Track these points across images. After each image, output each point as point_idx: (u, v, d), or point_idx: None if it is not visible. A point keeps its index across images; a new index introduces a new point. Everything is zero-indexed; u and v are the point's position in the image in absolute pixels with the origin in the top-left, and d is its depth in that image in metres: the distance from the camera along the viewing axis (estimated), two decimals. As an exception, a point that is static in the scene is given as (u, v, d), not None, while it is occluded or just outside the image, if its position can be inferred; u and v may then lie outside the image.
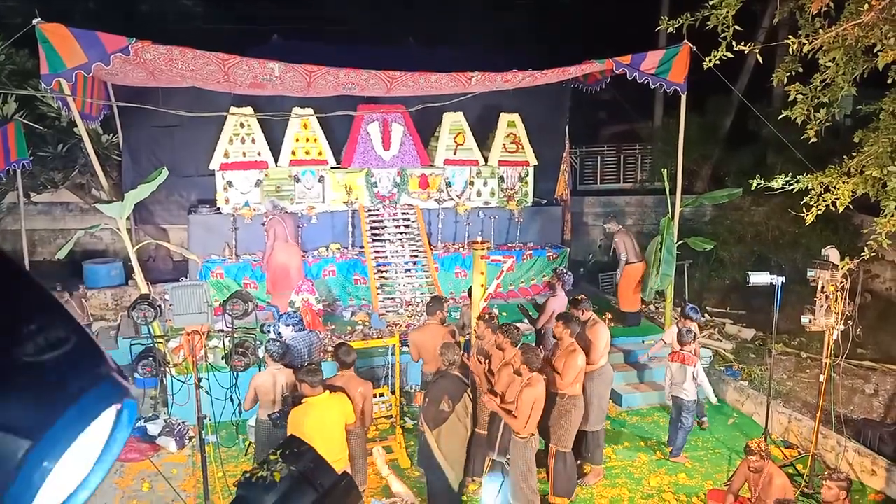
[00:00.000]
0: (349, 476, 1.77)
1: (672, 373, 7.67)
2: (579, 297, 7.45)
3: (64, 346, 0.83)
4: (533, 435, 5.95)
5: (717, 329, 10.92)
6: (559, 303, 8.29)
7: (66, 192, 12.34)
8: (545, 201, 12.90)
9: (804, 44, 5.34)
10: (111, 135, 11.27)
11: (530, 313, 8.81)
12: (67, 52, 7.15)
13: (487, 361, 6.67)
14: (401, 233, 11.46)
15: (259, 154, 10.91)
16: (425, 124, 11.78)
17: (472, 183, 12.00)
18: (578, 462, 7.19)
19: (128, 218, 8.78)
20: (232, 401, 6.04)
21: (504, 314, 10.50)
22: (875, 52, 5.28)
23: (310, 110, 10.81)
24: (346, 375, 6.06)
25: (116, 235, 8.91)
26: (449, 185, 11.88)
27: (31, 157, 9.65)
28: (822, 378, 6.98)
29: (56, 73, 7.17)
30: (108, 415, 0.88)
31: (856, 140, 5.96)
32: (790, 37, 5.40)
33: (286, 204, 10.98)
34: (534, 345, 6.98)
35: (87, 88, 8.74)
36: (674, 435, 7.76)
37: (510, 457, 6.07)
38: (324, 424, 5.41)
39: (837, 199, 5.76)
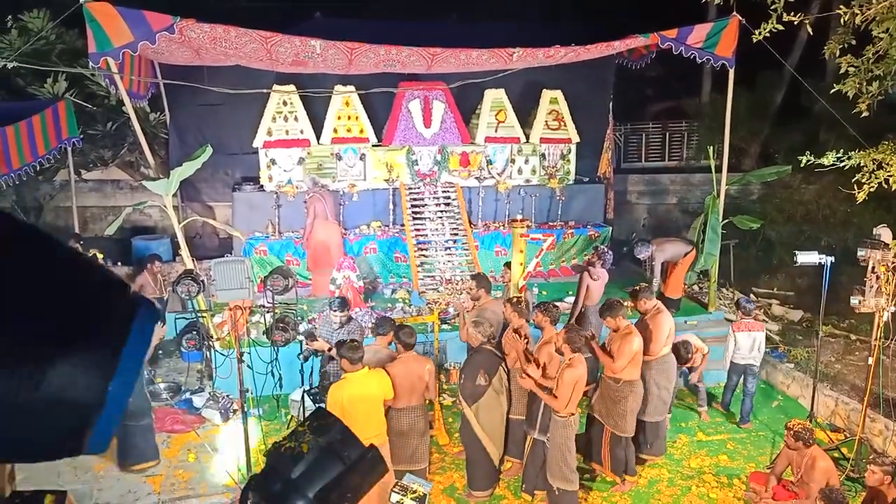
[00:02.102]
0: (376, 448, 1.79)
1: (738, 342, 7.81)
2: (638, 287, 7.20)
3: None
4: (573, 414, 5.94)
5: (762, 310, 10.69)
6: (597, 284, 8.23)
7: (115, 170, 12.65)
8: (587, 179, 12.74)
9: (857, 14, 5.14)
10: (159, 113, 11.48)
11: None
12: (114, 31, 7.28)
13: (525, 341, 6.66)
14: (441, 211, 11.46)
15: (301, 132, 11.00)
16: (466, 101, 11.71)
17: (513, 161, 11.90)
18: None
19: (175, 195, 8.96)
20: (273, 375, 6.15)
21: (544, 293, 10.48)
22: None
23: (351, 88, 10.83)
24: (407, 357, 5.98)
25: (165, 212, 9.10)
26: (490, 162, 11.81)
27: (82, 136, 9.90)
28: (870, 361, 6.80)
29: (103, 51, 7.31)
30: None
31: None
32: (842, 7, 5.20)
33: (328, 181, 11.07)
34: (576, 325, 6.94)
35: (135, 67, 8.89)
36: (728, 399, 8.21)
37: (549, 435, 6.07)
38: (362, 400, 5.46)
39: (890, 176, 5.57)
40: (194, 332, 5.75)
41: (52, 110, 9.02)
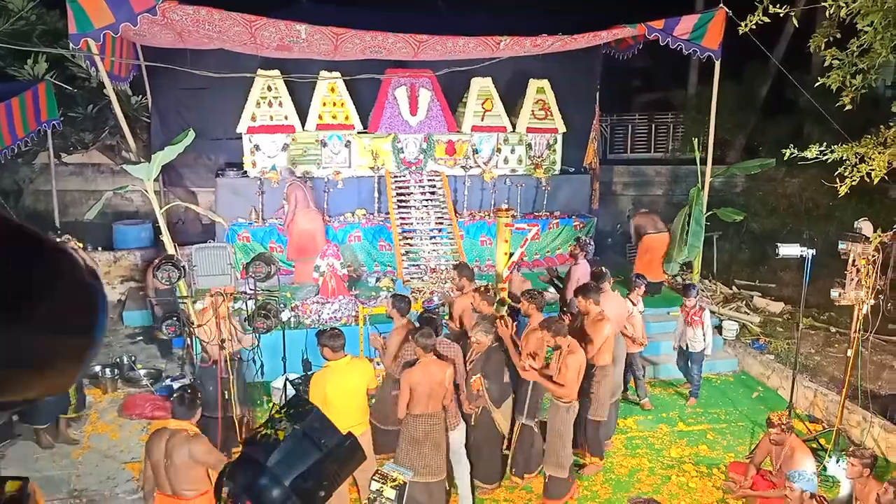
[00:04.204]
0: (353, 436, 1.77)
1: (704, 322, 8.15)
2: (588, 286, 6.87)
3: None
4: (575, 399, 5.98)
5: (744, 302, 10.76)
6: (581, 271, 8.22)
7: (96, 154, 12.47)
8: (573, 170, 12.72)
9: (842, 7, 5.15)
10: (140, 96, 11.31)
11: (556, 281, 8.75)
12: (95, 12, 7.16)
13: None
14: (426, 199, 11.41)
15: (286, 118, 10.90)
16: (453, 90, 11.63)
17: (499, 150, 11.87)
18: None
19: (157, 180, 8.84)
20: (254, 362, 6.11)
21: (529, 282, 10.47)
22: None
23: (337, 74, 10.74)
24: (428, 360, 5.58)
25: (146, 197, 9.00)
26: (476, 151, 11.77)
27: (62, 118, 9.75)
28: (849, 353, 6.86)
29: (84, 32, 7.19)
30: None
31: (894, 110, 5.77)
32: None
33: (312, 168, 10.99)
34: (557, 314, 6.94)
35: (116, 49, 8.76)
36: (697, 381, 8.39)
37: (549, 420, 6.09)
38: (344, 388, 5.44)
39: (872, 170, 5.60)
40: (174, 318, 5.70)
41: (31, 92, 8.88)
